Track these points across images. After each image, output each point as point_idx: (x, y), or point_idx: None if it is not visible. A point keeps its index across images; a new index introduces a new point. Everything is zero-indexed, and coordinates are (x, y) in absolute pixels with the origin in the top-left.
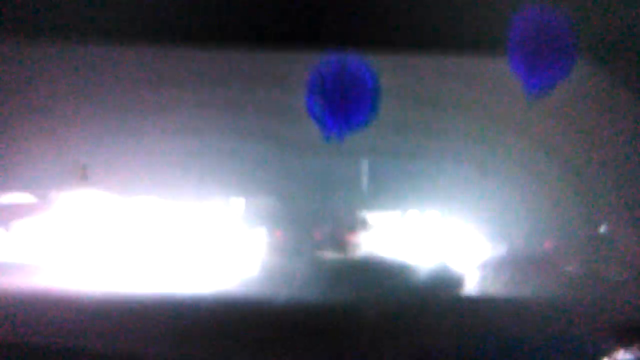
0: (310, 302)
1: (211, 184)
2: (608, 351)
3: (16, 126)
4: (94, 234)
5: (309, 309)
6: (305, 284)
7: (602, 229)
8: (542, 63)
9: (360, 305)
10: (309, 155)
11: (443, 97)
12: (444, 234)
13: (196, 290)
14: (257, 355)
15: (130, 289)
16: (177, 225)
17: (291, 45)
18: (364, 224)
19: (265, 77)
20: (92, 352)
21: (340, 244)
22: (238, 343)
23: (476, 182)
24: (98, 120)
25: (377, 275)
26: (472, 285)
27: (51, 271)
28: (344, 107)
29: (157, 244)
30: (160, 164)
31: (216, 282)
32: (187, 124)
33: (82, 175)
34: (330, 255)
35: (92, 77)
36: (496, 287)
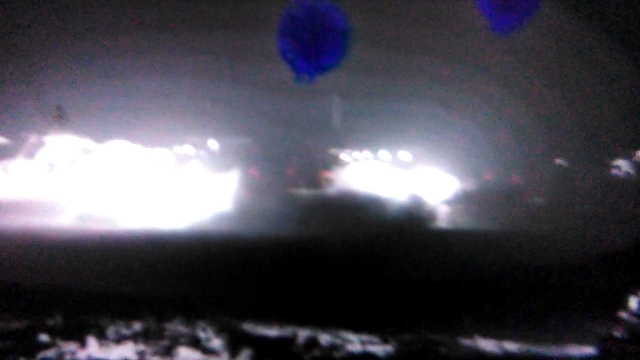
0: (284, 237)
1: (186, 126)
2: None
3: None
4: (70, 176)
5: (282, 243)
6: (279, 219)
7: (564, 163)
8: (509, 3)
9: (332, 239)
10: (282, 96)
11: (411, 39)
12: (414, 171)
13: (173, 227)
14: (232, 289)
15: (106, 228)
16: (153, 166)
17: None
18: (336, 162)
19: (237, 20)
20: (73, 290)
21: (313, 181)
22: (213, 278)
23: (445, 120)
24: (74, 63)
25: (349, 209)
26: (442, 218)
27: (28, 211)
28: (314, 48)
29: (133, 184)
30: (133, 106)
31: (192, 219)
32: (161, 67)
33: (58, 117)
34: (303, 191)
35: (69, 21)
36: (465, 221)
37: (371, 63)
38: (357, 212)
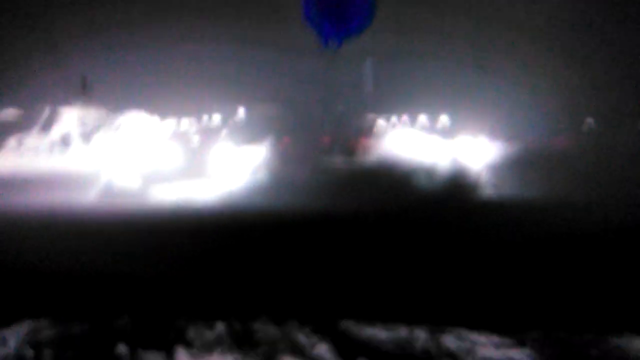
0: (320, 210)
1: (213, 94)
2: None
3: (19, 42)
4: (97, 147)
5: (319, 217)
6: (315, 191)
7: (608, 124)
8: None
9: (373, 212)
10: (312, 60)
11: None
12: (453, 136)
13: (204, 200)
14: (265, 263)
15: (135, 203)
16: (179, 136)
17: None
18: (372, 128)
19: None
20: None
21: (350, 149)
22: (246, 251)
23: (485, 82)
24: (96, 32)
25: (391, 179)
26: (486, 186)
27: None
28: (340, 13)
29: (163, 157)
30: (157, 75)
31: (223, 192)
32: (186, 33)
33: (84, 88)
34: (339, 160)
35: None
36: (510, 187)
37: (405, 23)
38: (400, 182)
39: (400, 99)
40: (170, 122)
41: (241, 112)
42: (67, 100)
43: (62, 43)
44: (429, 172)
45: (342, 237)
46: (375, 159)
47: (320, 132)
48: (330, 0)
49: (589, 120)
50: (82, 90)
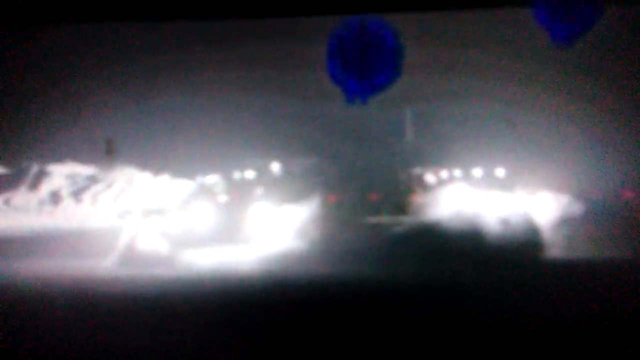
0: (377, 279)
1: (244, 149)
2: None
3: (47, 103)
4: (120, 208)
5: (372, 287)
6: (366, 257)
7: None
8: (567, 12)
9: (435, 280)
10: (352, 110)
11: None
12: (514, 190)
13: (248, 270)
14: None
15: (173, 271)
16: (213, 196)
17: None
18: (421, 183)
19: (294, 32)
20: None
21: (400, 207)
22: (289, 328)
23: (538, 134)
24: (126, 98)
25: (455, 241)
26: (553, 245)
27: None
28: (365, 69)
29: (193, 219)
30: (196, 139)
31: (262, 258)
32: (213, 88)
33: (109, 149)
34: (391, 221)
35: (117, 54)
36: (578, 246)
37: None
38: (466, 243)
39: (451, 151)
40: (199, 182)
41: (276, 167)
42: (92, 159)
43: (89, 107)
44: (494, 232)
45: (401, 312)
46: (433, 219)
47: (367, 188)
48: (353, 56)
49: None
50: (108, 153)
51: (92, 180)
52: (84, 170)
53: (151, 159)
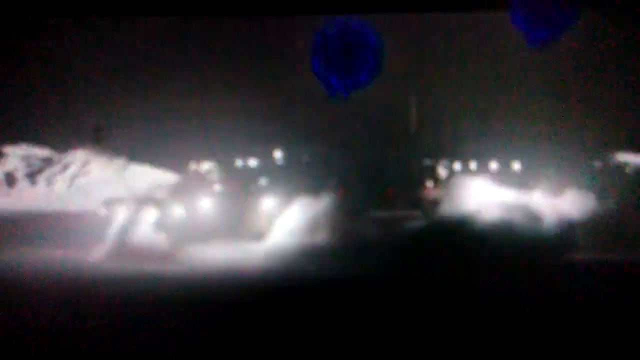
0: (387, 278)
1: (249, 135)
2: None
3: (40, 89)
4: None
5: (385, 285)
6: (379, 254)
7: None
8: (543, 16)
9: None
10: (358, 96)
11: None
12: (535, 186)
13: (257, 264)
14: (323, 340)
15: (169, 268)
16: (213, 187)
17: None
18: (433, 175)
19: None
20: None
21: (415, 201)
22: (298, 327)
23: (561, 124)
24: (115, 85)
25: (478, 238)
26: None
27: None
28: (347, 66)
29: (192, 211)
30: (196, 128)
31: (268, 254)
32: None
33: (97, 136)
34: (411, 216)
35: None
36: (603, 247)
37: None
38: (491, 240)
39: (463, 141)
40: (199, 169)
41: (281, 155)
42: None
43: (80, 94)
44: (517, 229)
45: (417, 310)
46: (451, 214)
47: (381, 180)
48: (336, 53)
49: None
50: (96, 139)
51: (48, 162)
52: (39, 152)
53: (140, 148)
